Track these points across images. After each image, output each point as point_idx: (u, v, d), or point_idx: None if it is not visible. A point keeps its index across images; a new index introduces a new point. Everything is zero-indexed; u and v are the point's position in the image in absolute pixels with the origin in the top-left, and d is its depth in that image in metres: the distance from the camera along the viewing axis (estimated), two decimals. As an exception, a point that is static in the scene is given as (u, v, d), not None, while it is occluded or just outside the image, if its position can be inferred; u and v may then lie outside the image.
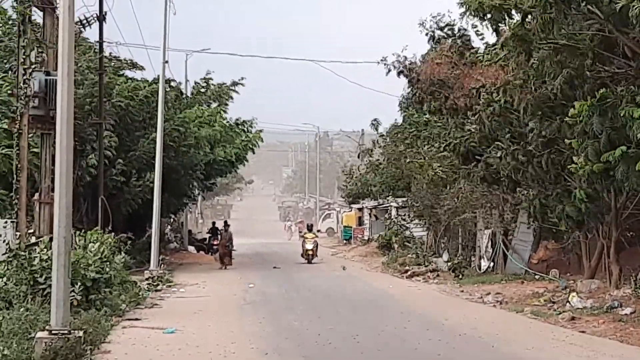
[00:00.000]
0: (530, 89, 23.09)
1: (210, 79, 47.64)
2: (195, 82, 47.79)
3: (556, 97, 22.41)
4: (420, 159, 39.76)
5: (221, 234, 45.67)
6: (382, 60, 32.79)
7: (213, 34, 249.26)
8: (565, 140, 21.88)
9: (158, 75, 38.22)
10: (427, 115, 40.26)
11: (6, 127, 26.46)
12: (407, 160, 41.81)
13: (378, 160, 53.58)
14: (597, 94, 19.50)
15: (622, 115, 18.41)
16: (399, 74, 32.00)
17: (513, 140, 25.78)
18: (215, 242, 50.74)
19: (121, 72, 39.92)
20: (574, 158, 20.41)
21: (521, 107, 23.42)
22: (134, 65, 40.81)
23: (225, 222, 50.92)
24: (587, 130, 19.66)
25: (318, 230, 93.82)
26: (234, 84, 47.67)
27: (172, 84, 43.90)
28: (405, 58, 32.15)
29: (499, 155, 26.24)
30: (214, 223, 58.40)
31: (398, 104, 47.06)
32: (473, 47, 29.94)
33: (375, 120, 53.08)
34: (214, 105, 47.52)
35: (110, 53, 37.47)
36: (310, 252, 47.12)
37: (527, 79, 23.12)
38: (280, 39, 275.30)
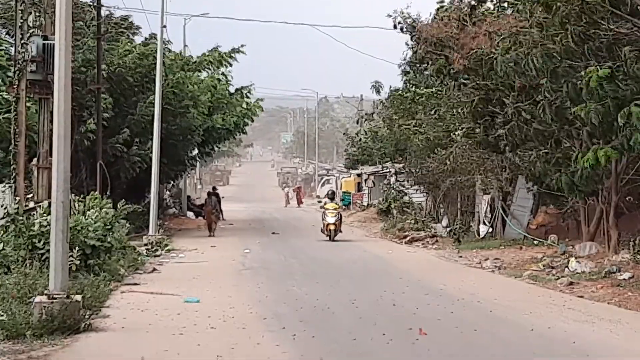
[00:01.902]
0: (540, 41, 22.77)
1: (217, 49, 47.36)
2: (204, 54, 47.50)
3: (564, 52, 22.15)
4: (415, 125, 39.75)
5: (206, 200, 45.04)
6: (388, 15, 32.72)
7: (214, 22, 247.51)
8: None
9: (151, 34, 38.23)
10: (426, 84, 40.30)
11: (4, 90, 26.42)
12: (400, 125, 41.59)
13: (377, 126, 53.33)
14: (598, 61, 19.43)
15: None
16: (402, 29, 31.89)
17: (518, 98, 25.48)
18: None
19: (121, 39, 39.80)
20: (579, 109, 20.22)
21: (530, 61, 23.13)
22: (130, 27, 40.68)
23: (214, 187, 50.89)
24: (594, 93, 19.51)
25: (317, 196, 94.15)
26: (234, 50, 47.44)
27: (172, 47, 43.90)
28: (409, 15, 32.08)
29: (505, 112, 25.97)
30: (214, 188, 58.62)
31: (399, 66, 46.92)
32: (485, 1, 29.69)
33: (376, 82, 52.92)
34: (217, 71, 47.47)
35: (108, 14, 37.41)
36: (333, 227, 37.42)
37: (542, 29, 22.77)
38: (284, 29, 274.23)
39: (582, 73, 19.80)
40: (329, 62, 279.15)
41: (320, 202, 45.02)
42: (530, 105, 24.94)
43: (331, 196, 40.31)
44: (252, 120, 51.71)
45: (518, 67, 23.80)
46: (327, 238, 37.13)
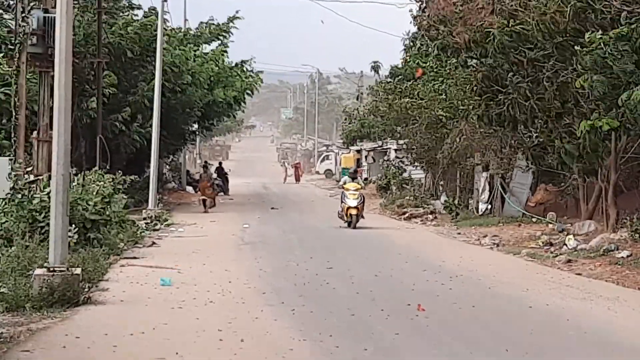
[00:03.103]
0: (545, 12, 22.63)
1: (213, 23, 47.28)
2: (200, 23, 47.49)
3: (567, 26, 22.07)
4: (420, 100, 39.38)
5: (201, 175, 44.38)
6: None
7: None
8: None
9: (153, 7, 38.21)
10: (431, 58, 39.98)
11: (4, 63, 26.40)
12: (406, 100, 41.06)
13: (376, 101, 53.04)
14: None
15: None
16: None
17: (519, 74, 25.40)
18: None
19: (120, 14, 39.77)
20: (580, 80, 20.14)
21: (536, 32, 22.99)
22: (130, 7, 40.66)
23: (205, 162, 51.06)
24: (597, 64, 19.50)
25: (316, 172, 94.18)
26: (232, 19, 47.34)
27: (172, 22, 43.94)
28: None
29: (507, 89, 25.93)
30: (220, 163, 59.51)
31: (401, 40, 46.82)
32: None
33: (375, 62, 52.71)
34: (215, 45, 47.50)
35: None
36: (355, 212, 31.10)
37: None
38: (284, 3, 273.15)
39: (586, 37, 19.74)
40: (330, 37, 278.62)
41: (339, 181, 36.38)
42: (530, 82, 24.89)
43: (353, 174, 34.19)
44: (252, 95, 51.70)
45: (518, 42, 23.73)
46: (346, 225, 31.27)
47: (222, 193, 53.82)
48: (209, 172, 44.14)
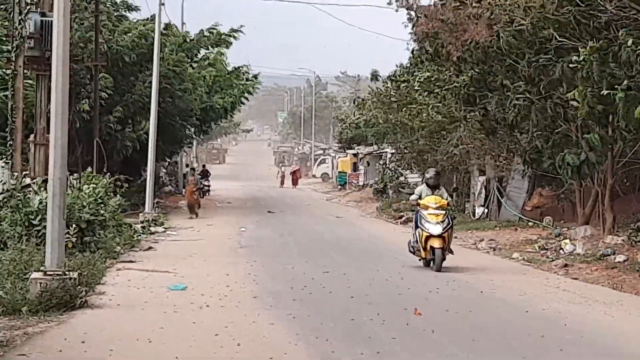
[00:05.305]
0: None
1: (215, 28, 47.25)
2: (201, 30, 47.47)
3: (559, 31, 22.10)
4: (416, 106, 39.26)
5: (188, 179, 43.27)
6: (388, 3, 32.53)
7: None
8: (565, 85, 21.82)
9: (153, 15, 38.16)
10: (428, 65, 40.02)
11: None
12: (403, 108, 40.80)
13: (369, 110, 52.90)
14: (595, 41, 19.44)
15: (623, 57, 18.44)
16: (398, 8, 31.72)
17: (514, 83, 25.39)
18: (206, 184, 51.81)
19: (118, 14, 39.78)
20: (575, 93, 20.15)
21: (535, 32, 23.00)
22: (129, 7, 40.67)
23: (190, 166, 51.11)
24: (589, 76, 19.55)
25: (313, 176, 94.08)
26: (233, 31, 47.43)
27: (170, 23, 44.01)
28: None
29: (498, 99, 25.94)
30: (204, 166, 59.82)
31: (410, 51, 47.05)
32: None
33: (374, 71, 52.63)
34: (214, 50, 47.53)
35: None
36: (438, 245, 19.93)
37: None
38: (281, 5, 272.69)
39: (577, 56, 19.83)
40: (328, 40, 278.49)
41: (413, 197, 21.37)
42: (531, 86, 24.89)
43: (434, 182, 21.11)
44: (248, 99, 51.83)
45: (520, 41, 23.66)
46: (422, 263, 20.67)
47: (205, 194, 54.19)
48: (196, 176, 43.59)
